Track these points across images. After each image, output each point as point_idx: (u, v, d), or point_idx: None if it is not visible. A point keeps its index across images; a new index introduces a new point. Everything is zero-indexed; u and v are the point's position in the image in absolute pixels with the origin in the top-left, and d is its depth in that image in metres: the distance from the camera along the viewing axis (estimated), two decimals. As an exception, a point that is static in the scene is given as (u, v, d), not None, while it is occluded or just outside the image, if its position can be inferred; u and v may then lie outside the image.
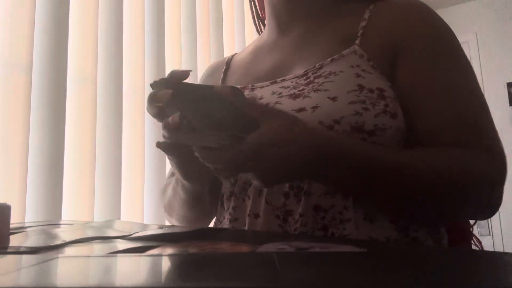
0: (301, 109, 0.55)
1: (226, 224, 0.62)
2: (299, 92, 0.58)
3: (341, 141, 0.50)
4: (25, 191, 1.01)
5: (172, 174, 0.74)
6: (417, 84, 0.56)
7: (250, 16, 0.83)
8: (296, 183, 0.56)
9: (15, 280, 0.25)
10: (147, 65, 1.40)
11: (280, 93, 0.60)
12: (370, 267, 0.29)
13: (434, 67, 0.57)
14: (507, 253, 0.31)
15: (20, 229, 0.56)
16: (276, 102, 0.60)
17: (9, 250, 0.38)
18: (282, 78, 0.63)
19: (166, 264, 0.30)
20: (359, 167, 0.49)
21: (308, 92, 0.57)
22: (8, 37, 1.04)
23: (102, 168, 1.20)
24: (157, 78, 0.46)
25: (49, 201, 1.05)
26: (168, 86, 0.44)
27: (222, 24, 1.82)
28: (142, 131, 1.35)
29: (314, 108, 0.54)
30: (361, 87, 0.55)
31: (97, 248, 0.41)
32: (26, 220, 0.99)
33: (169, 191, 0.72)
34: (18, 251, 0.38)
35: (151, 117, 0.48)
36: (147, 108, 0.46)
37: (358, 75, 0.56)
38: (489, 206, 0.54)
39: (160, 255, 0.34)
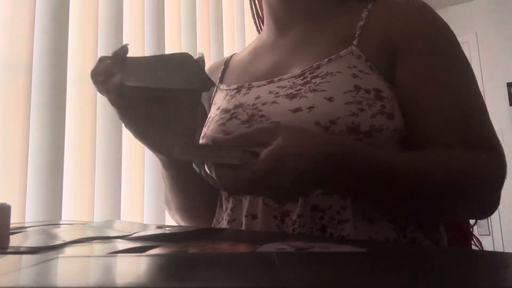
0: (298, 109, 0.55)
1: (224, 225, 0.62)
2: (296, 92, 0.58)
3: (348, 145, 0.51)
4: (25, 191, 1.01)
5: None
6: (416, 84, 0.56)
7: (250, 16, 0.83)
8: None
9: (15, 280, 0.25)
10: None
11: (277, 93, 0.60)
12: (370, 267, 0.29)
13: (433, 67, 0.57)
14: (507, 253, 0.31)
15: (20, 229, 0.56)
16: (273, 102, 0.60)
17: (9, 250, 0.38)
18: (279, 77, 0.63)
19: (166, 264, 0.30)
20: (369, 170, 0.49)
21: (304, 92, 0.57)
22: (8, 37, 1.04)
23: (102, 168, 1.20)
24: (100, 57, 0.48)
25: (49, 201, 1.05)
26: (111, 60, 0.46)
27: (222, 24, 1.82)
28: (142, 131, 1.34)
29: (311, 108, 0.54)
30: (357, 88, 0.55)
31: (97, 248, 0.41)
32: (26, 220, 0.99)
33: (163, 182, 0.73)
34: (18, 251, 0.38)
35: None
36: (93, 83, 0.48)
37: (355, 76, 0.56)
38: (488, 206, 0.54)
39: (160, 255, 0.34)
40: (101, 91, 0.50)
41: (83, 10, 1.23)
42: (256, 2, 0.82)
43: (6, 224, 0.43)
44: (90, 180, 1.17)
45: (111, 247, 0.40)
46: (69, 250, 0.38)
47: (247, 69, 0.72)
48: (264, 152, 0.42)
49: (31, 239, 0.46)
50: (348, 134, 0.53)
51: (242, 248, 0.38)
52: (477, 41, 3.34)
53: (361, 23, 0.61)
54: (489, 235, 3.09)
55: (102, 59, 0.49)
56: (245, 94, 0.65)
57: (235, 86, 0.68)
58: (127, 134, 1.30)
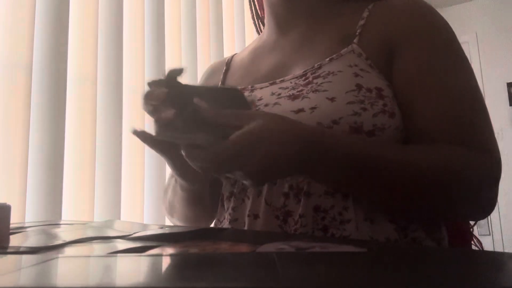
0: (300, 110, 0.55)
1: (226, 224, 0.62)
2: (298, 93, 0.58)
3: (329, 135, 0.50)
4: (25, 191, 1.01)
5: (172, 175, 0.74)
6: (414, 82, 0.56)
7: (250, 16, 0.83)
8: (296, 183, 0.55)
9: (15, 280, 0.25)
10: (147, 65, 1.40)
11: (279, 94, 0.60)
12: (370, 267, 0.29)
13: (432, 66, 0.56)
14: (507, 253, 0.31)
15: (20, 229, 0.56)
16: (275, 103, 0.60)
17: (9, 250, 0.38)
18: (281, 79, 0.63)
19: (166, 264, 0.30)
20: (347, 159, 0.48)
21: (306, 92, 0.57)
22: (8, 37, 1.04)
23: (102, 168, 1.20)
24: (154, 78, 0.47)
25: (49, 201, 1.05)
26: (164, 85, 0.45)
27: (222, 24, 1.82)
28: (142, 131, 1.34)
29: (313, 109, 0.54)
30: (359, 87, 0.55)
31: (97, 248, 0.41)
32: (26, 220, 0.99)
33: (170, 192, 0.72)
34: (18, 251, 0.38)
35: (148, 116, 0.49)
36: (142, 106, 0.47)
37: (356, 75, 0.56)
38: (483, 206, 0.54)
39: (160, 255, 0.34)
40: (148, 112, 0.49)
41: (83, 10, 1.23)
42: (256, 2, 0.82)
43: (6, 224, 0.43)
44: (90, 180, 1.17)
45: (111, 247, 0.40)
46: (69, 250, 0.38)
47: (249, 70, 0.72)
48: (238, 132, 0.42)
49: (31, 239, 0.46)
50: (351, 134, 0.52)
51: (243, 248, 0.38)
52: (477, 41, 3.35)
53: (361, 22, 0.61)
54: (489, 235, 3.09)
55: (154, 82, 0.48)
56: (248, 96, 0.65)
57: None
58: (127, 134, 1.30)
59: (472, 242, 0.66)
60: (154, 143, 0.53)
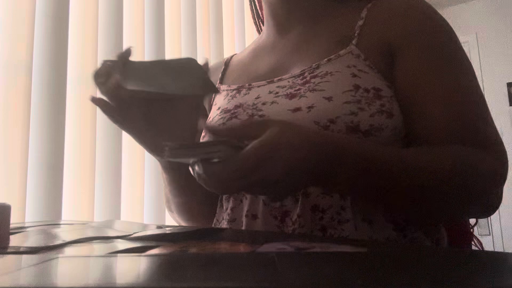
0: (297, 109, 0.55)
1: (224, 224, 0.62)
2: (295, 92, 0.58)
3: (346, 144, 0.48)
4: (25, 191, 1.01)
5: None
6: (416, 83, 0.56)
7: (250, 16, 0.83)
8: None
9: (15, 280, 0.25)
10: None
11: (277, 93, 0.61)
12: (370, 267, 0.29)
13: (433, 66, 0.56)
14: (507, 253, 0.31)
15: (20, 229, 0.56)
16: (273, 102, 0.60)
17: (9, 250, 0.38)
18: (279, 77, 0.63)
19: (166, 264, 0.30)
20: (366, 170, 0.47)
21: (304, 92, 0.57)
22: (8, 37, 1.04)
23: (102, 168, 1.20)
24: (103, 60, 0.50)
25: (49, 201, 1.05)
26: (114, 63, 0.47)
27: (222, 24, 1.82)
28: (142, 131, 1.34)
29: (310, 108, 0.54)
30: (356, 87, 0.55)
31: (97, 248, 0.41)
32: (26, 220, 0.99)
33: (163, 184, 0.72)
34: (18, 251, 0.38)
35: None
36: (94, 82, 0.49)
37: (354, 75, 0.56)
38: (489, 205, 0.54)
39: (160, 255, 0.34)
40: (102, 93, 0.50)
41: (83, 10, 1.23)
42: (256, 2, 0.82)
43: (6, 224, 0.43)
44: (90, 180, 1.17)
45: (111, 247, 0.40)
46: (69, 250, 0.38)
47: (247, 69, 0.72)
48: (250, 145, 0.39)
49: (31, 239, 0.46)
50: (347, 134, 0.52)
51: (242, 248, 0.38)
52: (477, 41, 3.35)
53: (360, 22, 0.61)
54: (489, 235, 3.09)
55: (105, 62, 0.49)
56: (245, 94, 0.65)
57: (235, 87, 0.68)
58: (127, 134, 1.30)
59: (472, 242, 0.66)
60: (111, 112, 0.53)
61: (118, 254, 0.36)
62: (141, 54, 1.40)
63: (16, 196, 0.99)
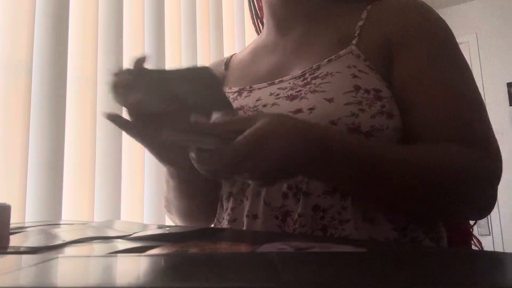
0: (298, 111, 0.55)
1: (225, 225, 0.62)
2: (296, 94, 0.58)
3: (334, 133, 0.50)
4: (25, 191, 1.01)
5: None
6: (413, 82, 0.56)
7: (250, 16, 0.83)
8: (294, 183, 0.55)
9: (15, 280, 0.25)
10: (147, 65, 1.40)
11: (278, 94, 0.61)
12: (370, 267, 0.29)
13: (430, 66, 0.56)
14: (507, 253, 0.31)
15: (20, 229, 0.56)
16: (274, 104, 0.60)
17: (9, 250, 0.38)
18: (280, 79, 0.63)
19: (166, 264, 0.30)
20: (353, 158, 0.48)
21: (305, 93, 0.57)
22: (8, 37, 1.04)
23: (102, 168, 1.20)
24: (120, 69, 0.48)
25: (49, 201, 1.05)
26: (132, 73, 0.46)
27: (222, 24, 1.82)
28: (142, 131, 1.34)
29: (311, 109, 0.55)
30: (357, 88, 0.55)
31: (97, 248, 0.41)
32: (26, 220, 0.99)
33: (166, 186, 0.72)
34: (18, 251, 0.38)
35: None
36: (112, 96, 0.48)
37: (354, 76, 0.56)
38: (484, 204, 0.54)
39: (160, 255, 0.34)
40: (119, 102, 0.50)
41: (83, 10, 1.23)
42: (255, 2, 0.82)
43: (6, 224, 0.43)
44: (90, 180, 1.17)
45: (111, 247, 0.40)
46: (69, 250, 0.38)
47: (248, 70, 0.72)
48: (245, 133, 0.41)
49: (31, 239, 0.46)
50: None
51: (242, 248, 0.38)
52: (477, 41, 3.35)
53: (360, 23, 0.62)
54: (489, 235, 3.09)
55: (121, 72, 0.49)
56: (246, 96, 0.65)
57: (236, 89, 0.69)
58: (127, 134, 1.30)
59: (472, 242, 0.66)
60: (129, 128, 0.52)
61: (118, 254, 0.36)
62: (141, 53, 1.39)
63: (16, 196, 0.99)
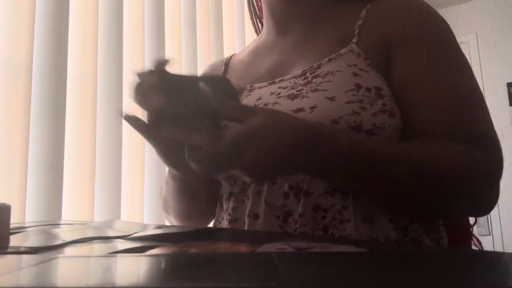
0: (299, 109, 0.55)
1: (225, 225, 0.62)
2: (297, 93, 0.58)
3: (326, 128, 0.50)
4: (25, 191, 1.01)
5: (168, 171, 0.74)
6: (413, 80, 0.56)
7: (249, 16, 0.83)
8: (295, 183, 0.55)
9: (15, 280, 0.25)
10: (147, 65, 1.40)
11: (279, 94, 0.61)
12: (370, 267, 0.29)
13: (430, 63, 0.56)
14: (507, 253, 0.31)
15: (20, 229, 0.56)
16: (275, 103, 0.60)
17: (9, 250, 0.38)
18: (281, 78, 0.63)
19: (166, 264, 0.30)
20: (346, 153, 0.48)
21: (306, 92, 0.57)
22: (8, 37, 1.04)
23: (102, 168, 1.20)
24: (142, 70, 0.48)
25: (49, 201, 1.05)
26: (154, 75, 0.46)
27: (222, 24, 1.82)
28: (142, 131, 1.34)
29: (312, 108, 0.55)
30: (358, 86, 0.55)
31: (97, 248, 0.41)
32: (26, 220, 0.99)
33: (164, 187, 0.72)
34: (18, 251, 0.38)
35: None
36: (133, 97, 0.48)
37: (355, 74, 0.56)
38: (485, 202, 0.54)
39: (160, 255, 0.34)
40: (138, 103, 0.49)
41: (83, 10, 1.23)
42: (255, 2, 0.82)
43: (6, 224, 0.43)
44: (90, 180, 1.17)
45: (111, 247, 0.40)
46: (69, 250, 0.38)
47: (248, 70, 0.72)
48: (232, 132, 0.42)
49: (31, 239, 0.46)
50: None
51: (242, 248, 0.38)
52: (477, 41, 3.35)
53: (360, 22, 0.62)
54: (489, 235, 3.09)
55: (144, 73, 0.48)
56: (247, 96, 0.65)
57: None
58: (127, 134, 1.30)
59: (472, 242, 0.66)
60: (145, 130, 0.52)
61: (118, 254, 0.36)
62: (141, 54, 1.40)
63: (16, 196, 0.99)
